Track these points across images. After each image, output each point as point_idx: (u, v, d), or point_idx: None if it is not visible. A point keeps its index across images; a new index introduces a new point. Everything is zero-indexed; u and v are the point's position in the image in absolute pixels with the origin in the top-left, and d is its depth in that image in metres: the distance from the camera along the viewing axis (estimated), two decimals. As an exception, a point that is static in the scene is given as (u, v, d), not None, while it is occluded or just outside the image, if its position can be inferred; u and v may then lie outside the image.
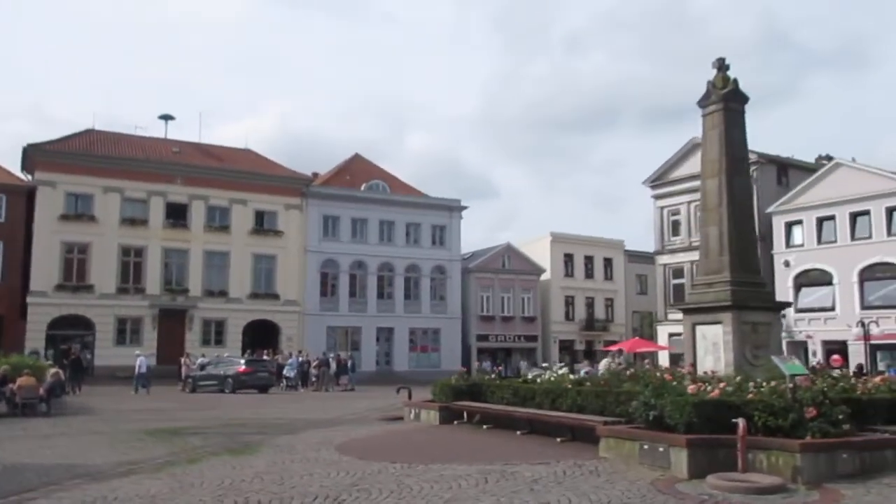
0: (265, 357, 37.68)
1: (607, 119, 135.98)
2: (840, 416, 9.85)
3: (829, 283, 39.05)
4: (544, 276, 56.80)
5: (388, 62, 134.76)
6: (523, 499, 8.43)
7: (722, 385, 10.51)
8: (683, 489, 8.91)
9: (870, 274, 37.23)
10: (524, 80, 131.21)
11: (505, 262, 55.81)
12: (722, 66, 16.55)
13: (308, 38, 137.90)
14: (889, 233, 36.63)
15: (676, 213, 46.64)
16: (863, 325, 33.84)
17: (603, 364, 24.06)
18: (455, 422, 16.23)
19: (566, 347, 58.14)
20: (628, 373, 15.15)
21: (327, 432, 15.56)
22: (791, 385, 10.43)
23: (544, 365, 30.04)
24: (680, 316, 47.40)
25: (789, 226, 40.84)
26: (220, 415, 20.41)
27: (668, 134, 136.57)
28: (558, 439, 12.77)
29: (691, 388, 10.62)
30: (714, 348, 15.50)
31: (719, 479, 9.02)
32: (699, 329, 15.87)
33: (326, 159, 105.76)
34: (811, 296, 39.90)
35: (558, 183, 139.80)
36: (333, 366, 36.42)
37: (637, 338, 47.34)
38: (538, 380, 16.51)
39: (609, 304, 60.65)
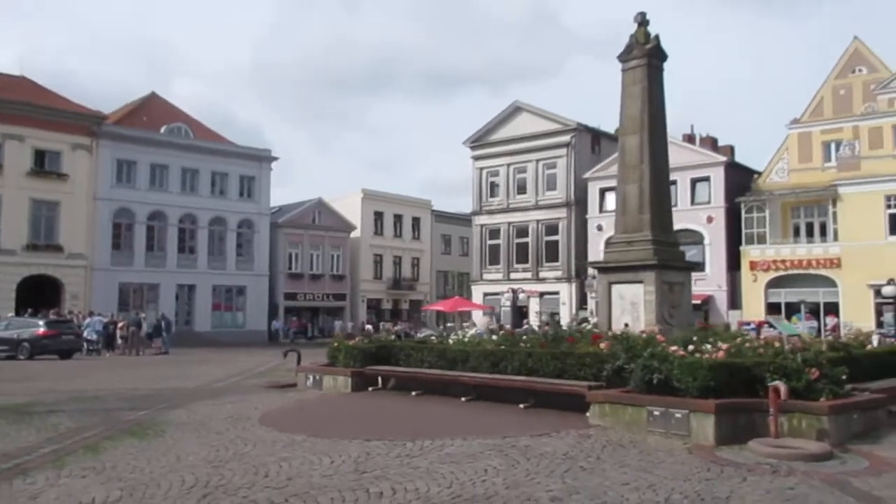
0: (65, 317, 32.66)
1: (383, 81, 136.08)
2: (843, 377, 9.78)
3: (638, 247, 41.61)
4: (354, 234, 55.28)
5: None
6: (590, 481, 7.28)
7: (725, 347, 10.01)
8: (732, 457, 8.27)
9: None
10: (300, 35, 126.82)
11: (316, 217, 53.48)
12: (643, 20, 16.19)
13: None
14: (692, 202, 39.69)
15: (495, 174, 47.20)
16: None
17: (482, 323, 23.41)
18: (370, 388, 14.63)
19: (374, 306, 57.34)
20: (582, 328, 14.42)
21: (223, 405, 13.25)
22: (790, 346, 10.23)
23: (449, 324, 28.71)
24: (495, 276, 48.37)
25: (603, 192, 42.84)
26: (50, 386, 16.91)
27: (444, 100, 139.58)
28: (521, 406, 11.74)
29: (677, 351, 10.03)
30: (632, 308, 15.28)
31: (763, 444, 8.52)
32: (616, 288, 15.59)
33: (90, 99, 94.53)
34: (620, 259, 42.31)
35: (333, 142, 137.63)
36: (145, 327, 32.41)
37: (457, 297, 47.60)
38: (450, 340, 15.39)
39: (416, 263, 60.62)
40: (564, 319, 41.27)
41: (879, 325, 33.32)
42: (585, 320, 23.09)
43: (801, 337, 11.67)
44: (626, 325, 14.19)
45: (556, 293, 44.01)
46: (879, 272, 32.61)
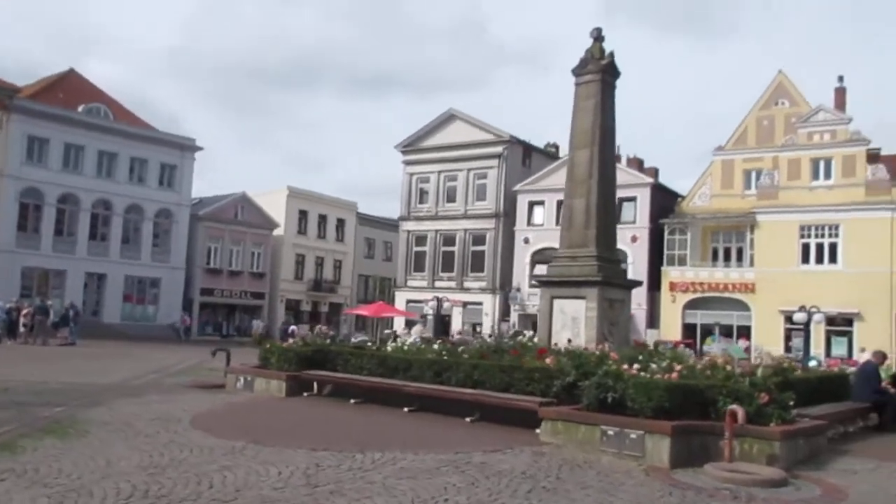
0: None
1: (310, 78, 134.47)
2: (791, 402, 9.90)
3: (563, 261, 42.10)
4: (277, 232, 53.96)
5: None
6: (555, 503, 7.03)
7: (679, 368, 9.98)
8: (691, 481, 8.19)
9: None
10: (229, 22, 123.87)
11: (238, 212, 51.92)
12: (599, 36, 16.24)
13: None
14: (618, 220, 40.35)
15: (426, 180, 46.97)
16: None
17: (416, 331, 23.01)
18: (304, 393, 14.04)
19: (292, 307, 56.10)
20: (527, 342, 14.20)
21: (148, 405, 12.42)
22: (741, 370, 10.30)
23: (387, 331, 27.86)
24: (419, 283, 48.18)
25: (532, 205, 43.26)
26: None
27: (370, 102, 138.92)
28: (468, 419, 11.43)
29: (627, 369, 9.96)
30: (573, 323, 15.23)
31: (719, 469, 8.47)
32: (557, 303, 15.51)
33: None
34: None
35: (258, 137, 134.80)
36: (52, 315, 30.56)
37: (381, 302, 46.99)
38: (388, 347, 14.98)
39: (338, 265, 59.68)
40: (486, 331, 41.41)
41: (788, 349, 34.72)
42: (520, 333, 23.01)
43: (732, 360, 11.82)
44: (570, 340, 14.11)
45: (480, 304, 44.06)
46: (790, 298, 33.89)
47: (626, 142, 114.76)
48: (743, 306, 37.14)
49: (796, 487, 8.13)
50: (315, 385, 14.25)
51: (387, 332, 25.87)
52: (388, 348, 14.83)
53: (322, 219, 58.01)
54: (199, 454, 8.53)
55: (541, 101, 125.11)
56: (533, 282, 42.68)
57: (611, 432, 9.39)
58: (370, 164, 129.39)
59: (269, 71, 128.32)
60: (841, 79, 38.55)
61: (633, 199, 40.23)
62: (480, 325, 42.98)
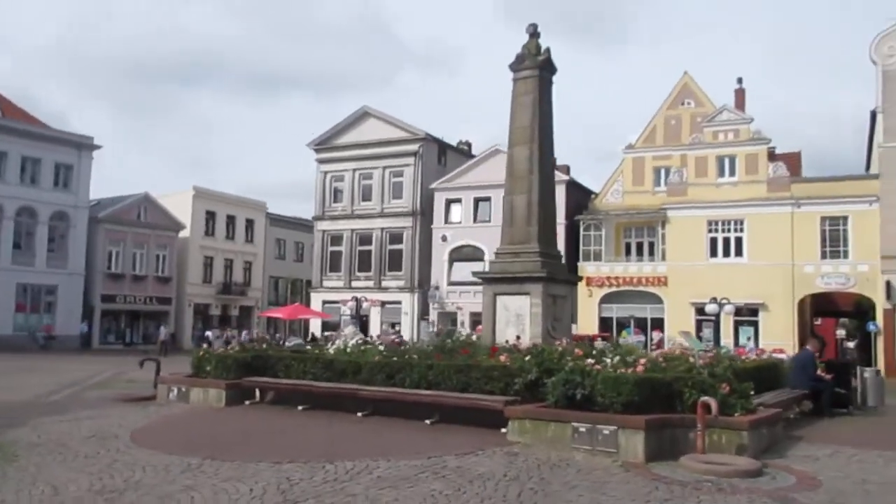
0: None
1: (204, 75, 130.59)
2: (752, 392, 10.07)
3: (481, 259, 42.17)
4: (183, 234, 51.80)
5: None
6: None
7: (643, 362, 9.97)
8: (671, 475, 8.15)
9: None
10: (119, 18, 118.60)
11: (141, 214, 49.52)
12: (535, 32, 16.22)
13: None
14: (535, 218, 40.81)
15: (340, 179, 46.13)
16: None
17: (349, 332, 22.31)
18: (246, 402, 13.32)
19: (201, 312, 54.02)
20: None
21: (77, 422, 11.46)
22: (702, 361, 10.39)
23: (327, 333, 26.74)
24: (336, 284, 47.24)
25: (449, 203, 43.17)
26: None
27: (270, 101, 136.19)
28: (427, 422, 11.08)
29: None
30: (518, 319, 15.14)
31: (695, 461, 8.49)
32: (501, 299, 15.38)
33: None
34: (464, 270, 42.64)
35: (149, 136, 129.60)
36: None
37: (297, 304, 45.84)
38: (330, 349, 14.43)
39: (248, 267, 57.90)
40: (406, 330, 41.04)
41: (699, 339, 35.90)
42: (452, 332, 22.75)
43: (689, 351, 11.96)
44: (518, 336, 13.98)
45: (399, 303, 43.64)
46: (700, 291, 35.14)
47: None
48: (656, 299, 38.21)
49: (772, 477, 8.22)
50: (257, 393, 13.56)
51: (326, 333, 25.11)
52: (331, 351, 14.24)
53: (230, 219, 56.12)
54: (154, 474, 7.88)
55: (445, 101, 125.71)
56: (452, 279, 42.76)
57: (582, 429, 9.26)
58: (277, 164, 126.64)
59: (163, 67, 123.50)
60: (740, 80, 40.25)
61: (548, 196, 40.66)
62: (399, 324, 42.57)
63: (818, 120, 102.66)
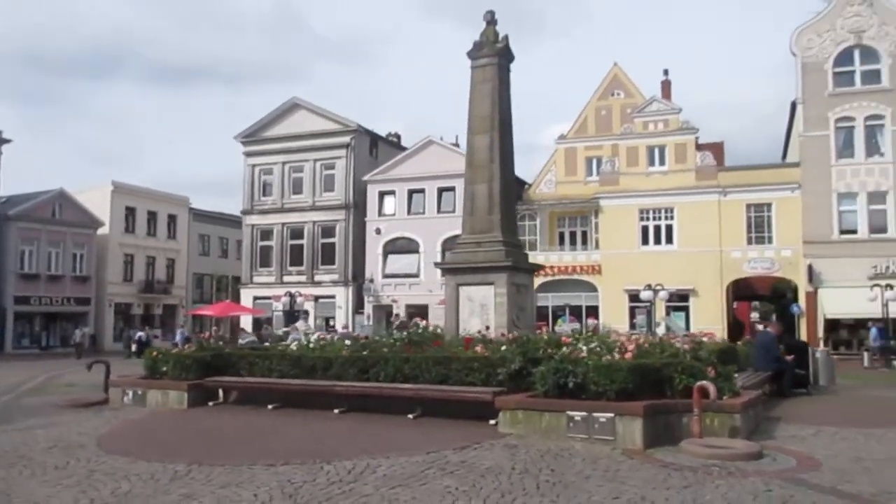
0: None
1: (109, 67, 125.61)
2: (735, 375, 10.18)
3: (416, 251, 42.00)
4: (101, 231, 49.48)
5: None
6: (579, 497, 6.66)
7: (632, 348, 9.94)
8: (676, 460, 8.13)
9: (451, 244, 40.75)
10: (17, 7, 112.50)
11: (56, 211, 47.02)
12: (492, 19, 16.05)
13: None
14: (470, 209, 40.80)
15: (269, 172, 44.97)
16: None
17: (301, 327, 21.70)
18: (210, 403, 12.68)
19: (122, 311, 51.81)
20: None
21: (30, 431, 10.60)
22: (686, 346, 10.45)
23: (284, 330, 25.60)
24: (267, 279, 46.18)
25: (382, 195, 42.70)
26: None
27: (182, 92, 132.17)
28: (410, 416, 10.77)
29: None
30: (482, 310, 14.98)
31: (697, 445, 8.50)
32: (464, 290, 15.18)
33: None
34: (398, 262, 42.38)
35: (59, 130, 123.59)
36: None
37: (227, 301, 44.48)
38: (292, 346, 13.94)
39: (171, 264, 55.83)
40: (339, 324, 40.40)
41: (632, 326, 36.69)
42: (404, 323, 22.43)
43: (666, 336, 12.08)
44: (487, 327, 13.80)
45: (332, 297, 42.93)
46: (634, 278, 35.87)
47: (457, 131, 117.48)
48: (591, 287, 38.80)
49: (773, 458, 8.30)
50: (220, 393, 12.94)
51: (284, 330, 24.27)
52: (293, 347, 13.74)
53: (151, 215, 53.95)
54: (143, 484, 7.33)
55: (361, 92, 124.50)
56: (387, 272, 42.34)
57: (578, 417, 9.16)
58: (198, 157, 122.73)
59: (70, 59, 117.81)
60: (666, 72, 41.27)
61: (483, 187, 40.70)
62: (334, 318, 41.90)
63: (731, 111, 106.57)
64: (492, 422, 9.99)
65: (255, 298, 44.12)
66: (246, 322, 42.93)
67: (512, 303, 14.69)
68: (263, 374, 12.70)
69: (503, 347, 11.62)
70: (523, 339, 11.44)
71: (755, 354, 14.49)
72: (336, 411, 11.38)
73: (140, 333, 37.96)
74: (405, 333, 16.29)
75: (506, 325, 14.24)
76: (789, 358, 14.34)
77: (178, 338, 33.85)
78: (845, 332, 34.97)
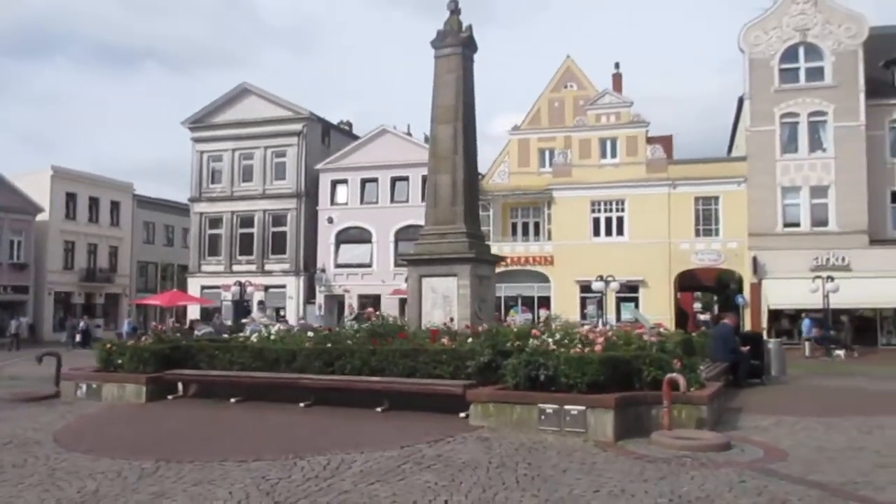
0: None
1: (48, 46, 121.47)
2: (701, 367, 10.35)
3: (368, 241, 41.72)
4: (41, 217, 47.82)
5: None
6: (561, 491, 6.68)
7: (601, 341, 10.01)
8: (648, 452, 8.24)
9: (404, 235, 40.85)
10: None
11: (-8, 195, 45.24)
12: (456, 8, 15.95)
13: None
14: (423, 198, 40.45)
15: (218, 159, 44.06)
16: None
17: (258, 318, 21.29)
18: (169, 396, 12.35)
19: (62, 301, 50.20)
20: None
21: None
22: (653, 339, 10.57)
23: (244, 321, 24.85)
24: (215, 268, 45.47)
25: (335, 184, 42.27)
26: None
27: (115, 75, 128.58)
28: (378, 409, 10.66)
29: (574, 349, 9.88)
30: (445, 301, 14.95)
31: (667, 437, 8.61)
32: (427, 281, 15.13)
33: None
34: (351, 252, 42.04)
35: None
36: None
37: (174, 290, 43.46)
38: (252, 337, 13.69)
39: (114, 252, 54.28)
40: (291, 314, 39.95)
41: (583, 316, 37.17)
42: (365, 314, 22.18)
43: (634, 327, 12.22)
44: (452, 319, 13.75)
45: (283, 287, 42.38)
46: (585, 269, 36.31)
47: (415, 120, 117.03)
48: (543, 278, 39.12)
49: (741, 449, 8.47)
50: (180, 386, 12.62)
51: (244, 321, 23.70)
52: (253, 339, 13.46)
53: (93, 202, 52.30)
54: (110, 482, 7.09)
55: (314, 80, 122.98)
56: (339, 262, 41.96)
57: (549, 410, 9.20)
58: (141, 143, 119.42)
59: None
60: (617, 65, 41.78)
61: (436, 177, 40.63)
62: (284, 308, 41.38)
63: (675, 104, 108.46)
64: (462, 414, 9.97)
65: (204, 288, 43.29)
66: (194, 312, 42.10)
67: (475, 294, 14.69)
68: (224, 367, 12.42)
69: (469, 340, 11.62)
70: (493, 331, 11.40)
71: (712, 345, 14.79)
72: (302, 405, 11.21)
73: (82, 323, 36.80)
74: (367, 325, 16.23)
75: (469, 316, 14.23)
76: (745, 349, 14.69)
77: (125, 328, 33.02)
78: (787, 322, 36.06)
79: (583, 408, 9.01)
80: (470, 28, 15.76)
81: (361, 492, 6.65)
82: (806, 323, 31.50)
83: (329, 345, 12.19)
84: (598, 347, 9.80)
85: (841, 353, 28.88)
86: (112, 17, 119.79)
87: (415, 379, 10.64)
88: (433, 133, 15.77)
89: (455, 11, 15.85)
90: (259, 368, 12.14)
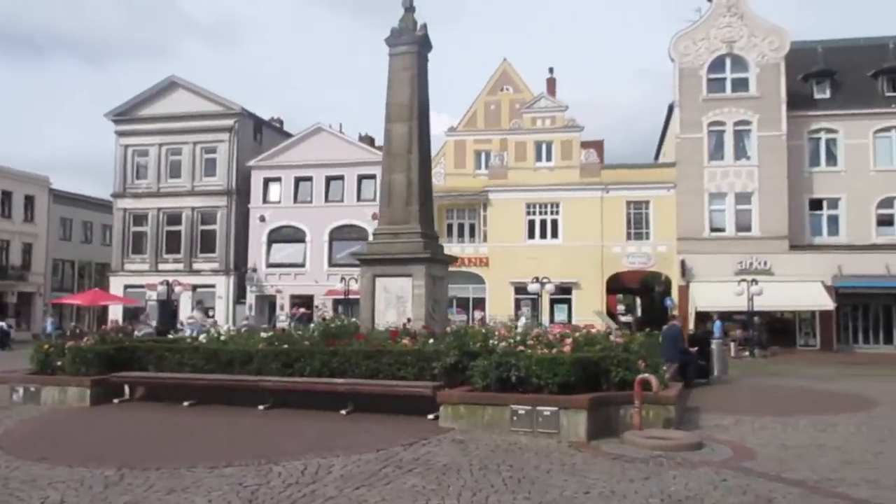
0: None
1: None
2: (664, 367, 10.52)
3: (302, 240, 40.99)
4: (-52, 211, 45.15)
5: None
6: (551, 492, 6.63)
7: (569, 341, 10.05)
8: (625, 452, 8.30)
9: (339, 234, 40.40)
10: None
11: None
12: (411, 6, 15.79)
13: None
14: (359, 198, 40.32)
15: (144, 154, 42.47)
16: (344, 280, 36.14)
17: (198, 317, 20.50)
18: (115, 400, 11.74)
19: (-29, 299, 47.50)
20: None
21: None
22: (619, 340, 10.68)
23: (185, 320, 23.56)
24: (140, 267, 43.89)
25: (267, 182, 41.35)
26: None
27: (26, 65, 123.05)
28: (343, 412, 10.40)
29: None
30: (399, 301, 14.76)
31: (640, 437, 8.70)
32: (380, 281, 14.89)
33: None
34: (283, 251, 41.21)
35: None
36: None
37: (96, 290, 41.61)
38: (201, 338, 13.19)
39: (27, 249, 51.61)
40: (220, 315, 38.88)
41: (516, 317, 37.45)
42: (305, 314, 21.79)
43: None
44: (409, 319, 13.58)
45: (212, 286, 41.17)
46: (520, 271, 36.66)
47: (346, 119, 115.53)
48: (478, 279, 39.24)
49: (711, 449, 8.62)
50: (126, 389, 12.02)
51: (187, 321, 22.66)
52: (203, 339, 12.97)
53: (6, 196, 49.57)
54: (74, 492, 6.68)
55: (241, 75, 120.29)
56: (271, 261, 41.06)
57: (521, 411, 9.17)
58: (57, 135, 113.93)
59: None
60: (551, 70, 42.34)
61: (372, 176, 40.11)
62: (213, 308, 40.20)
63: (601, 110, 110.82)
64: (430, 416, 9.84)
65: (127, 287, 41.63)
66: (115, 312, 40.49)
67: (429, 295, 14.56)
68: (173, 369, 11.91)
69: (430, 340, 11.51)
70: (460, 332, 11.31)
71: (663, 346, 15.08)
72: (261, 407, 10.85)
73: (2, 323, 34.88)
74: (311, 326, 15.91)
75: (423, 317, 14.10)
76: (693, 350, 15.05)
77: (48, 328, 31.41)
78: (710, 324, 37.24)
79: (556, 409, 9.01)
80: (425, 26, 15.62)
81: (349, 497, 6.45)
82: (717, 325, 32.64)
83: (286, 346, 11.84)
84: (566, 349, 9.84)
85: (759, 353, 30.28)
86: (23, 6, 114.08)
87: (381, 380, 10.44)
88: (387, 131, 15.55)
89: (410, 9, 15.68)
90: (212, 370, 11.69)
